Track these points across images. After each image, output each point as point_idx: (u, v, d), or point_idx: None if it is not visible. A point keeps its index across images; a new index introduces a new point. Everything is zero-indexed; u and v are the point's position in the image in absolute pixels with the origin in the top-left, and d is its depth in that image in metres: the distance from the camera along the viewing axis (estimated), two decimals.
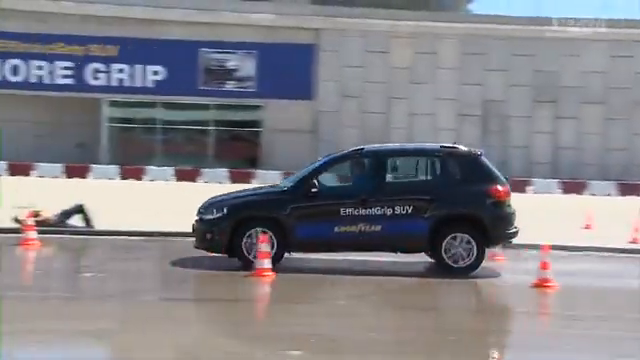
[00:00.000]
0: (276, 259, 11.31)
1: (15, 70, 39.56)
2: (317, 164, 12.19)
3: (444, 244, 11.37)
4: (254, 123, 41.04)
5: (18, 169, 33.51)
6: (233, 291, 10.30)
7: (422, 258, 12.29)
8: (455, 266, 11.38)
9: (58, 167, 34.50)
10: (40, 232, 13.48)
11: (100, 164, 37.32)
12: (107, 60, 39.66)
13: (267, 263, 10.82)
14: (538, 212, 20.05)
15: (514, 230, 11.84)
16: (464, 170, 11.75)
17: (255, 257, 11.05)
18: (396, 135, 39.70)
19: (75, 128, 39.23)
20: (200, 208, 11.96)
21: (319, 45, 40.59)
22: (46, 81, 39.70)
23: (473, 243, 11.38)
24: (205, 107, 40.82)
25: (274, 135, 39.91)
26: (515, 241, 14.21)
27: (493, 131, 41.20)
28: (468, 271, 11.35)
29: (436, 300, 10.71)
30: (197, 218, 11.86)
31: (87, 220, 14.99)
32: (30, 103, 39.17)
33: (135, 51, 39.23)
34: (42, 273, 11.88)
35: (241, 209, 11.67)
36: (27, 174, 33.14)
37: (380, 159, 11.94)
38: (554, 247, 12.40)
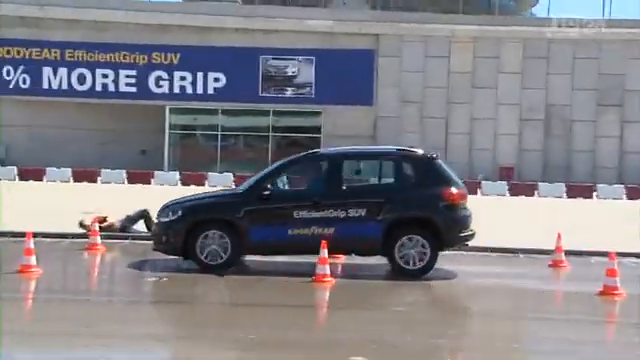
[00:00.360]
0: (231, 262, 11.39)
1: (81, 79, 40.54)
2: (272, 167, 12.27)
3: (397, 246, 11.29)
4: (313, 129, 41.19)
5: (83, 175, 34.28)
6: (294, 296, 10.33)
7: (473, 265, 12.09)
8: (408, 268, 11.32)
9: (122, 173, 35.15)
10: (104, 237, 13.78)
11: (163, 170, 37.95)
12: (169, 68, 40.35)
13: (327, 269, 10.84)
14: (604, 218, 19.59)
15: (469, 233, 11.71)
16: (419, 173, 11.70)
17: (210, 260, 11.22)
18: (456, 140, 39.40)
19: (139, 135, 40.01)
20: (158, 211, 12.04)
21: (378, 50, 40.53)
22: (111, 89, 40.59)
23: (427, 246, 11.29)
24: (265, 113, 41.17)
25: (333, 140, 39.76)
26: (580, 247, 13.94)
27: (556, 135, 40.51)
28: (421, 273, 11.30)
29: (494, 306, 10.53)
30: (155, 221, 11.97)
31: (150, 226, 15.18)
32: (95, 111, 40.13)
33: (196, 59, 39.80)
34: (107, 277, 12.15)
35: (196, 212, 11.75)
36: (94, 180, 33.89)
37: (334, 162, 11.91)
38: (620, 254, 12.08)
